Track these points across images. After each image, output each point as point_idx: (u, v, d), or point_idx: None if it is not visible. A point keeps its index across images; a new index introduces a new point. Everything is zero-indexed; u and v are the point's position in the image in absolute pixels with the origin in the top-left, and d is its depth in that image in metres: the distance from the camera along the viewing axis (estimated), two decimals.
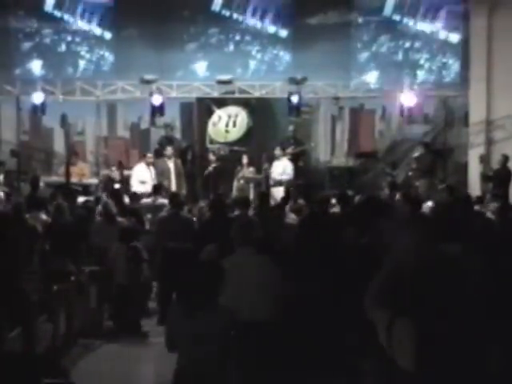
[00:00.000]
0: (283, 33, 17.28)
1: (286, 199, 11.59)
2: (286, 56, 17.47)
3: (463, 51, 16.64)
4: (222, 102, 17.42)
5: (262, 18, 17.34)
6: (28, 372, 2.76)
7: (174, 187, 14.79)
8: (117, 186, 14.70)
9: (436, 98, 17.46)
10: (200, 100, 17.58)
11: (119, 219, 10.14)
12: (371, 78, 17.28)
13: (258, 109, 17.49)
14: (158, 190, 13.01)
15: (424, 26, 16.97)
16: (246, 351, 5.05)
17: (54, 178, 15.55)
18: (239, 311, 4.84)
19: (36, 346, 6.73)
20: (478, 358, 3.60)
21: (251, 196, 14.73)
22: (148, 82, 16.28)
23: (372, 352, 4.20)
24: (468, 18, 16.27)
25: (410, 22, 16.99)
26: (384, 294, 3.71)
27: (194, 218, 10.90)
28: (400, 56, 17.18)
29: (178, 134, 18.08)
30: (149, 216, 11.79)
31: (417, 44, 17.08)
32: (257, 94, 16.91)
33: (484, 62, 15.74)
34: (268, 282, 5.70)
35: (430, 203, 11.48)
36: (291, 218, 9.78)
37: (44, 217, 9.84)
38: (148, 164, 14.92)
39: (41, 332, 7.07)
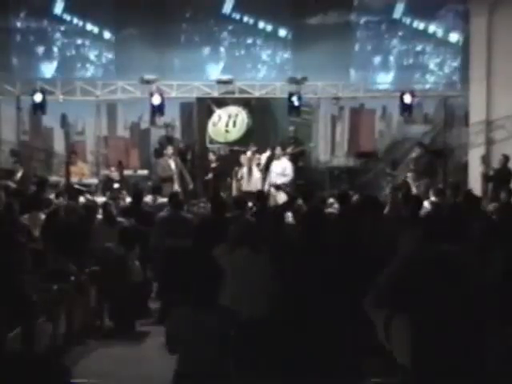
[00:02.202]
0: (283, 33, 17.29)
1: (289, 203, 11.48)
2: (286, 56, 17.49)
3: (463, 51, 16.63)
4: (221, 102, 17.41)
5: (262, 18, 17.35)
6: (28, 372, 2.76)
7: (176, 186, 14.87)
8: (116, 185, 14.68)
9: (436, 97, 17.45)
10: (200, 100, 17.57)
11: (120, 219, 10.09)
12: (374, 77, 17.30)
13: (257, 109, 17.46)
14: (157, 189, 13.03)
15: (424, 26, 16.97)
16: (246, 350, 5.05)
17: (54, 178, 15.53)
18: (239, 311, 4.84)
19: (36, 346, 6.73)
20: (477, 356, 3.60)
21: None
22: (148, 82, 16.27)
23: (372, 351, 4.21)
24: (468, 18, 16.26)
25: (412, 22, 17.00)
26: (385, 294, 3.71)
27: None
28: (404, 56, 17.21)
29: (177, 134, 18.04)
30: None
31: (418, 44, 17.09)
32: (257, 94, 16.91)
33: (484, 62, 15.73)
34: (267, 282, 5.70)
35: (428, 202, 11.46)
36: (289, 217, 9.77)
37: (44, 217, 9.82)
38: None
39: (41, 332, 7.07)
